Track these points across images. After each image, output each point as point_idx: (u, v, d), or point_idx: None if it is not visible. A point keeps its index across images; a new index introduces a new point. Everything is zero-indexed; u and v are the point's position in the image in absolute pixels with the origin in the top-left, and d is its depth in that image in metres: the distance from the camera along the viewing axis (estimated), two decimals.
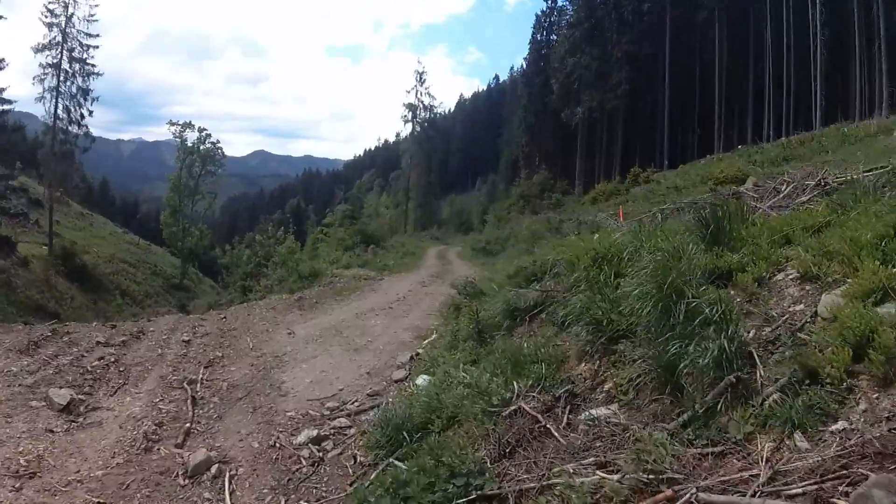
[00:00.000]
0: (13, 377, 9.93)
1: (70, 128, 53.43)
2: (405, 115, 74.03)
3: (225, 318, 16.56)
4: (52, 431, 8.08)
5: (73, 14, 52.10)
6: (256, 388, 9.67)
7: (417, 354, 10.92)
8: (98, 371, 10.62)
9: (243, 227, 53.13)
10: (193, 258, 65.67)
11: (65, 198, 61.22)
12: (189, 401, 9.07)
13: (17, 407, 8.73)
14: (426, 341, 11.81)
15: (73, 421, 8.50)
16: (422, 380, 8.42)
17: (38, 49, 51.42)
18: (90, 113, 53.85)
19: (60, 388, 9.50)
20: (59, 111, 52.47)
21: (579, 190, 58.94)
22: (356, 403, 8.95)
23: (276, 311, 16.47)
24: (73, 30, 52.37)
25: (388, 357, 11.42)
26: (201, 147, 65.91)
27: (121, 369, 10.91)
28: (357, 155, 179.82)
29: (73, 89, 53.01)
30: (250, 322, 15.31)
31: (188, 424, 8.20)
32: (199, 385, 9.98)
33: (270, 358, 11.50)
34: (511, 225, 37.93)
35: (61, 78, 52.13)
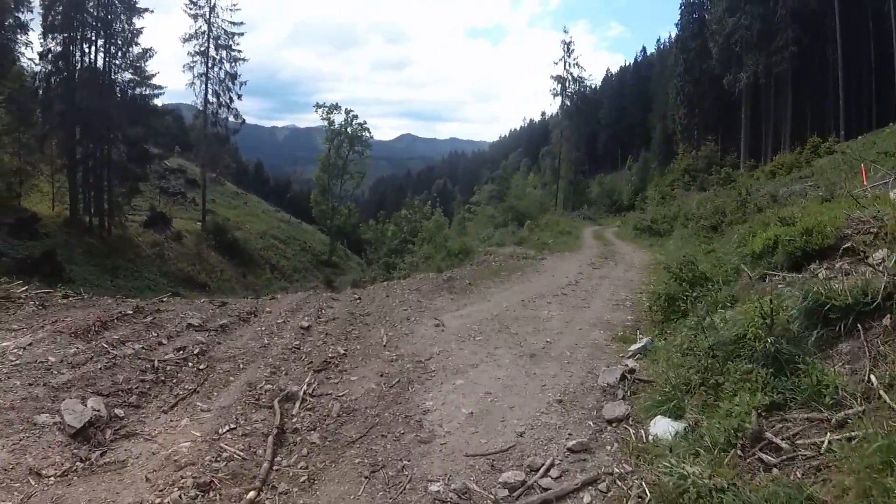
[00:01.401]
0: (43, 372, 6.95)
1: (220, 111, 56.25)
2: (553, 89, 71.46)
3: (359, 299, 13.27)
4: (39, 475, 4.87)
5: (215, 4, 54.97)
6: (383, 422, 5.83)
7: (632, 372, 6.74)
8: (167, 369, 7.46)
9: (391, 207, 52.57)
10: (342, 236, 67.06)
11: (220, 178, 64.59)
12: (272, 439, 5.45)
13: (14, 423, 5.63)
14: (632, 348, 7.75)
15: (83, 458, 5.24)
16: (663, 428, 5.16)
17: (186, 38, 54.64)
18: (238, 97, 56.43)
19: (90, 395, 6.36)
20: (209, 96, 55.40)
21: (748, 164, 51.38)
22: (553, 471, 4.79)
23: (420, 293, 12.81)
24: (217, 19, 55.17)
25: (581, 370, 7.29)
26: (348, 128, 67.33)
27: (200, 367, 7.70)
28: (502, 135, 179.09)
29: (221, 74, 55.75)
30: (388, 306, 11.78)
31: (252, 494, 4.53)
32: (297, 405, 6.41)
33: (409, 363, 7.69)
34: (678, 202, 33.94)
35: (209, 64, 55.05)
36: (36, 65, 41.00)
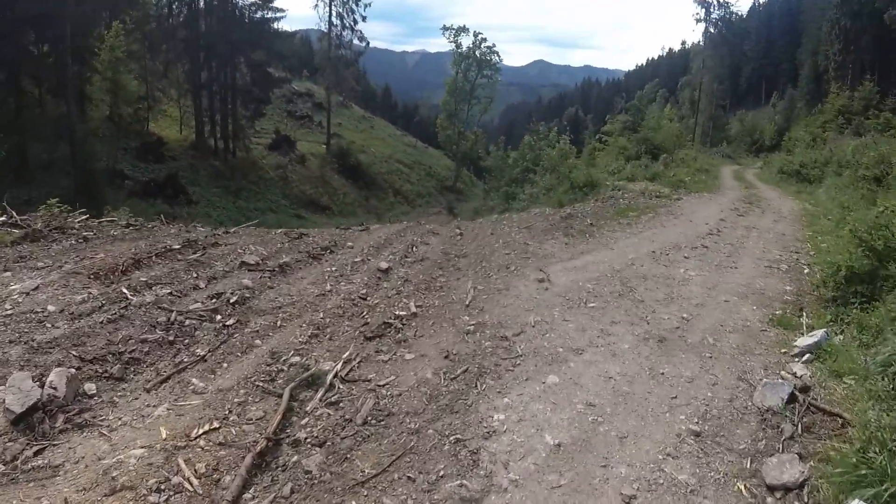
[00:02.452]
0: (34, 325, 5.69)
1: (344, 33, 55.65)
2: (696, 14, 64.13)
3: (460, 235, 11.39)
4: None
5: None
6: (420, 447, 3.83)
7: (805, 391, 4.58)
8: (185, 324, 6.02)
9: (520, 135, 50.11)
10: (467, 161, 65.79)
11: (347, 101, 64.90)
12: (249, 459, 3.71)
13: None
14: (800, 343, 5.50)
15: (9, 458, 3.86)
16: None
17: None
18: (363, 18, 55.41)
19: (72, 359, 5.00)
20: (333, 18, 54.71)
21: None
22: None
23: (531, 232, 10.60)
24: None
25: (729, 373, 5.04)
26: (476, 52, 64.86)
27: (227, 323, 6.18)
28: (639, 65, 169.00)
29: None
30: (490, 248, 9.75)
31: None
32: (319, 395, 4.64)
33: (490, 339, 5.63)
34: (830, 146, 30.41)
35: None
36: None
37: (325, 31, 55.31)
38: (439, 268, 8.59)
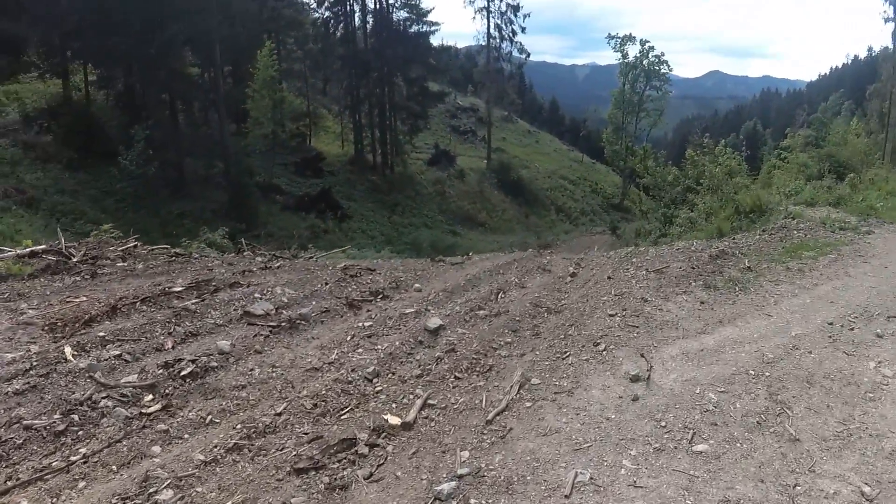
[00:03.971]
0: None
1: (503, 45, 55.03)
2: (884, 12, 53.93)
3: (573, 276, 8.73)
4: None
5: None
6: None
7: None
8: (99, 408, 4.48)
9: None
10: (636, 178, 61.50)
11: (511, 115, 63.76)
12: None
13: None
14: None
15: None
16: None
17: None
18: (522, 29, 54.64)
19: None
20: (491, 30, 54.12)
21: None
22: None
23: (660, 280, 7.61)
24: None
25: None
26: (643, 61, 60.94)
27: (148, 411, 4.53)
28: (822, 74, 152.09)
29: (502, 7, 53.93)
30: (594, 301, 6.98)
31: None
32: None
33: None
34: None
35: None
36: (314, 11, 43.43)
37: (484, 44, 54.78)
38: (512, 331, 6.12)
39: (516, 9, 53.59)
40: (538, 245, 37.98)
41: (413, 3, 44.07)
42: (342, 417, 4.34)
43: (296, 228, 33.49)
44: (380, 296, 7.64)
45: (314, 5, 43.67)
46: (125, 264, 8.71)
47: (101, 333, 5.70)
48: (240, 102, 34.89)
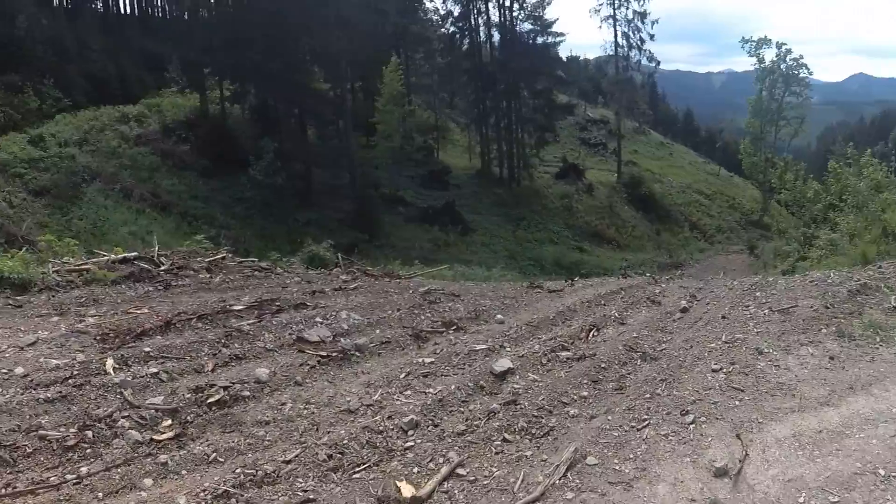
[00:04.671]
0: None
1: (631, 54, 53.24)
2: None
3: (684, 312, 7.74)
4: None
5: None
6: None
7: None
8: (116, 427, 4.38)
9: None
10: (776, 192, 57.19)
11: (643, 127, 61.53)
12: None
13: None
14: None
15: None
16: None
17: None
18: (651, 37, 52.40)
19: None
20: (618, 38, 52.47)
21: None
22: None
23: (783, 323, 6.36)
24: None
25: None
26: (781, 65, 56.79)
27: (160, 437, 4.32)
28: None
29: (629, 14, 52.17)
30: (698, 349, 5.97)
31: None
32: None
33: None
34: None
35: (615, 4, 51.84)
36: (438, 26, 43.97)
37: (612, 53, 53.34)
38: (592, 381, 5.33)
39: (643, 16, 51.75)
40: (669, 264, 36.00)
41: (537, 14, 43.72)
42: (353, 476, 3.82)
43: (418, 240, 33.93)
44: (453, 327, 7.05)
45: (440, 20, 44.44)
46: (207, 276, 8.77)
47: (147, 349, 5.56)
48: (368, 116, 35.93)
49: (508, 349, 6.23)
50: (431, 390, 5.13)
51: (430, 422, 4.56)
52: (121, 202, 25.71)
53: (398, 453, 4.10)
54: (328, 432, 4.37)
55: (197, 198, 29.78)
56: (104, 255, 9.24)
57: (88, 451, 4.10)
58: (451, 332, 6.91)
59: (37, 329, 5.97)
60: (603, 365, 5.73)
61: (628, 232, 45.32)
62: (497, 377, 5.44)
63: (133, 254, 9.43)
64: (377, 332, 6.64)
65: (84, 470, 3.88)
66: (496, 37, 43.83)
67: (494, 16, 44.27)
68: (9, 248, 11.86)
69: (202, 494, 3.60)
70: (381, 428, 4.41)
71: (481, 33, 43.94)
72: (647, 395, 4.90)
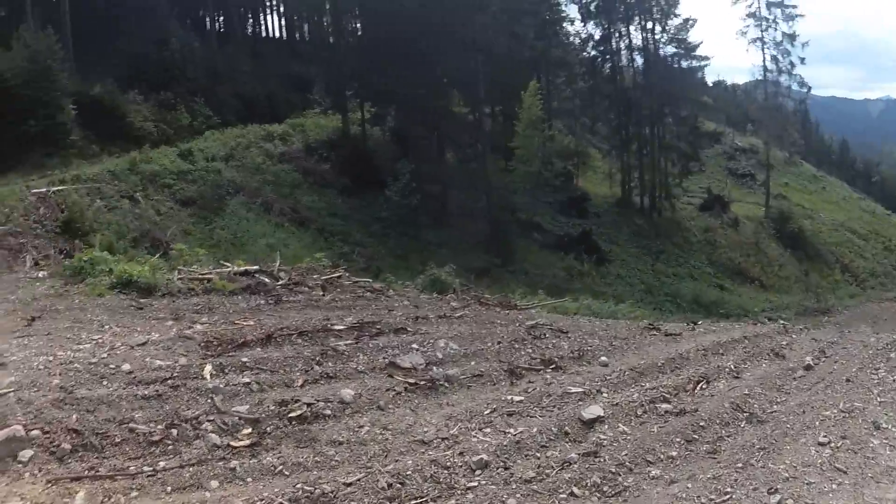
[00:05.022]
0: (91, 379, 5.14)
1: (781, 79, 49.75)
2: None
3: (809, 367, 7.12)
4: None
5: None
6: None
7: None
8: (200, 429, 4.70)
9: None
10: None
11: (794, 158, 57.45)
12: None
13: None
14: None
15: None
16: None
17: (734, 1, 49.12)
18: (801, 60, 48.65)
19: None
20: (766, 62, 49.13)
21: None
22: None
23: None
24: None
25: None
26: None
27: (237, 444, 4.57)
28: None
29: (777, 36, 48.73)
30: (812, 413, 5.43)
31: None
32: None
33: None
34: None
35: (762, 27, 48.49)
36: (579, 50, 43.55)
37: (760, 78, 50.12)
38: (685, 440, 4.94)
39: (792, 38, 48.20)
40: (815, 310, 33.09)
41: (680, 36, 42.05)
42: None
43: (552, 268, 33.56)
44: (552, 366, 6.82)
45: (580, 44, 44.08)
46: (319, 294, 9.13)
47: (245, 359, 5.88)
48: (507, 140, 36.26)
49: (605, 395, 5.93)
50: (512, 431, 4.98)
51: (501, 464, 4.42)
52: (261, 215, 27.46)
53: (458, 492, 4.00)
54: (396, 460, 4.36)
55: (335, 215, 31.16)
56: (228, 267, 9.88)
57: (170, 447, 4.40)
58: (548, 370, 6.70)
59: (150, 331, 6.49)
60: (702, 423, 5.32)
61: (774, 271, 42.14)
62: (584, 424, 5.18)
63: (254, 267, 10.03)
64: (472, 363, 6.57)
65: (161, 464, 4.17)
66: (638, 61, 42.84)
67: (636, 39, 43.43)
68: (153, 252, 13.05)
69: (257, 503, 3.74)
70: (448, 463, 4.34)
71: (623, 57, 43.22)
72: (740, 465, 4.47)
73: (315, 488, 3.90)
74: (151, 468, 4.09)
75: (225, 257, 13.09)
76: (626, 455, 4.60)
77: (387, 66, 31.07)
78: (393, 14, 31.83)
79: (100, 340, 6.08)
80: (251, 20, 52.85)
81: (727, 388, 6.31)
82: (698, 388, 6.30)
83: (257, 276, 9.65)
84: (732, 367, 7.09)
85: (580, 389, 5.98)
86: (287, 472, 4.16)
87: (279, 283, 9.39)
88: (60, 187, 18.05)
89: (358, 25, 39.65)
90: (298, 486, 3.93)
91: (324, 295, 9.09)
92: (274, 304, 8.11)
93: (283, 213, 28.60)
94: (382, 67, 31.25)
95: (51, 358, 5.47)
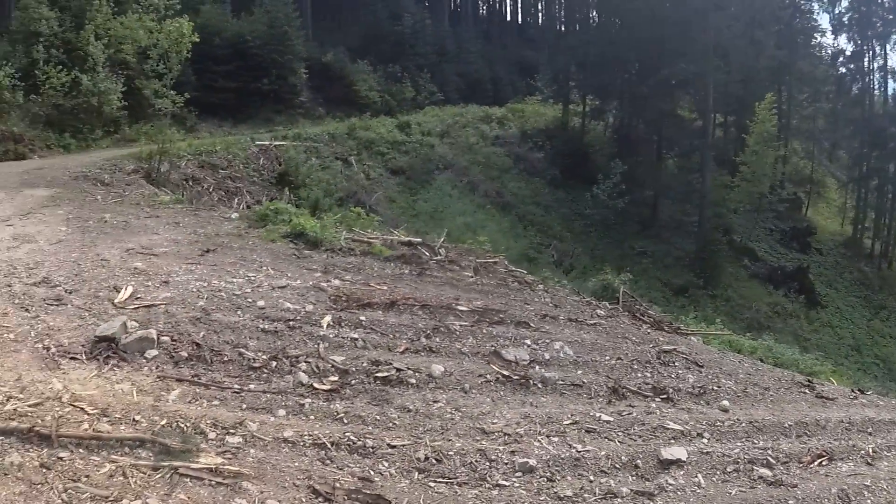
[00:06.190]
0: (228, 305, 6.14)
1: None
2: None
3: None
4: None
5: None
6: None
7: None
8: (297, 366, 5.36)
9: None
10: None
11: None
12: None
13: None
14: None
15: None
16: None
17: None
18: None
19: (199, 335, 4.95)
20: None
21: None
22: None
23: None
24: None
25: None
26: None
27: (323, 387, 5.13)
28: None
29: None
30: None
31: None
32: None
33: None
34: None
35: None
36: (828, 65, 38.82)
37: None
38: None
39: None
40: None
41: None
42: (429, 482, 4.07)
43: (756, 301, 31.25)
44: (663, 396, 6.49)
45: (829, 59, 39.46)
46: (467, 275, 9.53)
47: (363, 318, 6.47)
48: (734, 154, 34.06)
49: (704, 440, 5.61)
50: (579, 447, 4.95)
51: (548, 474, 4.47)
52: (465, 194, 28.66)
53: (487, 486, 4.16)
54: (447, 439, 4.63)
55: (538, 204, 31.53)
56: (394, 235, 10.68)
57: (264, 375, 5.09)
58: (657, 399, 6.41)
59: (296, 278, 7.37)
60: (791, 502, 4.88)
61: None
62: (660, 463, 4.97)
63: (418, 239, 10.71)
64: (578, 372, 6.54)
65: (251, 387, 4.86)
66: (892, 86, 37.50)
67: (893, 60, 38.14)
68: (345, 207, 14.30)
69: (305, 437, 4.26)
70: (494, 457, 4.50)
71: (875, 79, 38.05)
72: None
73: (360, 440, 4.32)
74: (240, 387, 4.79)
75: (422, 229, 13.97)
76: None
77: (614, 60, 30.60)
78: (629, 7, 31.21)
79: (251, 278, 7.07)
80: (485, 1, 54.42)
81: (847, 473, 5.62)
82: (815, 462, 5.70)
83: (418, 248, 10.30)
84: (871, 451, 6.24)
85: (679, 427, 5.69)
86: (346, 421, 4.62)
87: (435, 258, 9.95)
88: (282, 142, 20.48)
89: (593, 14, 39.32)
90: (346, 434, 4.37)
91: (471, 276, 9.48)
92: (416, 276, 8.68)
93: (487, 195, 29.58)
94: (612, 62, 30.83)
95: (205, 284, 6.53)
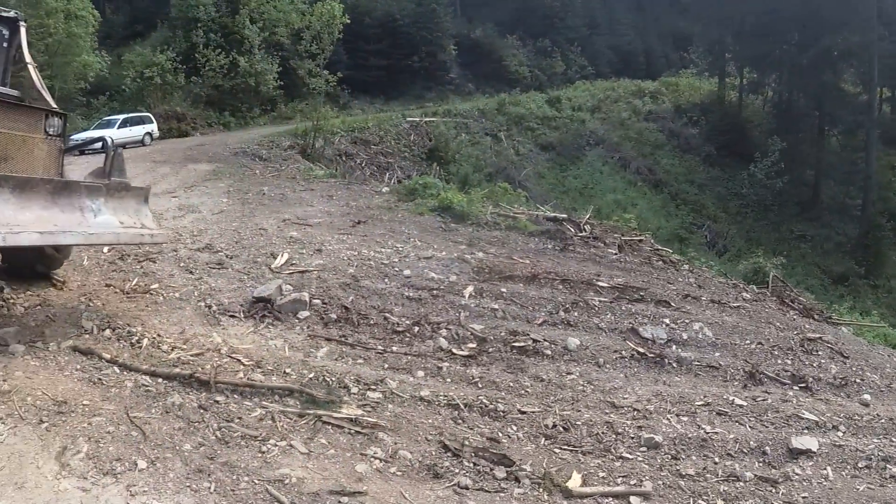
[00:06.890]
0: (376, 273, 6.72)
1: None
2: None
3: None
4: None
5: None
6: None
7: None
8: (440, 332, 5.80)
9: None
10: None
11: None
12: None
13: None
14: None
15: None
16: None
17: None
18: None
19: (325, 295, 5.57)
20: None
21: None
22: None
23: None
24: None
25: None
26: None
27: (462, 353, 5.47)
28: None
29: None
30: None
31: None
32: None
33: None
34: None
35: None
36: None
37: None
38: None
39: None
40: None
41: None
42: (554, 448, 4.25)
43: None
44: (801, 384, 6.18)
45: None
46: (610, 252, 9.50)
47: (504, 290, 6.76)
48: None
49: (839, 433, 5.33)
50: (708, 428, 4.91)
51: (672, 452, 4.49)
52: (616, 171, 28.00)
53: (610, 458, 4.26)
54: (577, 410, 4.79)
55: (692, 183, 30.19)
56: (540, 211, 10.81)
57: (406, 339, 5.52)
58: (794, 388, 6.12)
59: (442, 249, 7.79)
60: None
61: None
62: (788, 452, 4.77)
63: (563, 216, 10.77)
64: (715, 354, 6.42)
65: (393, 349, 5.29)
66: None
67: None
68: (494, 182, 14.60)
69: (440, 397, 4.60)
70: (621, 430, 4.59)
71: None
72: None
73: (492, 404, 4.58)
74: (383, 349, 5.23)
75: (571, 205, 13.98)
76: (805, 498, 4.29)
77: (773, 30, 28.34)
78: None
79: (399, 248, 7.58)
80: None
81: None
82: None
83: (563, 223, 10.36)
84: None
85: (814, 418, 5.42)
86: (480, 385, 4.90)
87: (579, 234, 9.97)
88: (432, 119, 21.05)
89: None
90: (481, 397, 4.65)
91: (615, 254, 9.44)
92: (559, 252, 8.80)
93: (639, 172, 28.75)
94: (771, 33, 28.58)
95: (356, 253, 7.11)
